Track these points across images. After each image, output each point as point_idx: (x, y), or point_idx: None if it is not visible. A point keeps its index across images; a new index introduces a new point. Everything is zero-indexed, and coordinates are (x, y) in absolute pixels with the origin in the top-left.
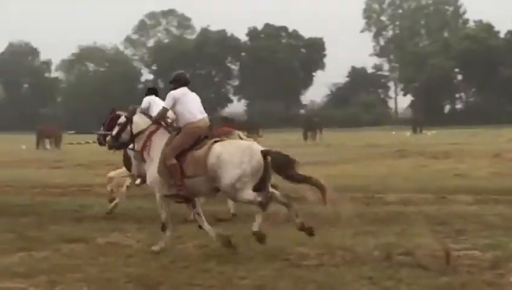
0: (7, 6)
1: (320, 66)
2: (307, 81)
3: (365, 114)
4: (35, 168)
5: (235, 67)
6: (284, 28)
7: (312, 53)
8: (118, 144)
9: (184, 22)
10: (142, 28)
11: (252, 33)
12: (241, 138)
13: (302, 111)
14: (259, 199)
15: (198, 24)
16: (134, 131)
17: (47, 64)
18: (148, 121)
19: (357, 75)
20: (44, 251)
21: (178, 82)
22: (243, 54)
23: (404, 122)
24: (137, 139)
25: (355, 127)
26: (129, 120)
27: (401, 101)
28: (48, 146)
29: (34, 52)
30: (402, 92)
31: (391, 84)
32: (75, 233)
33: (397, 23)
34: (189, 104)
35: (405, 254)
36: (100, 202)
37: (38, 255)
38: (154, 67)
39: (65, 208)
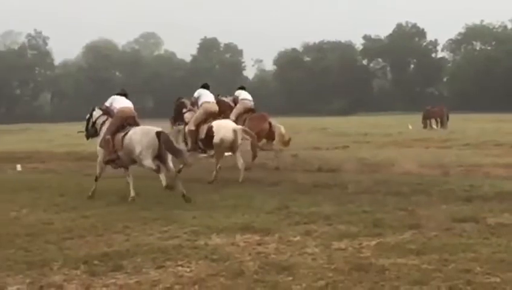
0: None
1: None
2: None
3: None
4: (422, 148)
5: None
6: None
7: None
8: (87, 133)
9: None
10: None
11: None
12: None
13: None
14: (154, 166)
15: None
16: (94, 120)
17: (433, 44)
18: (100, 112)
19: None
20: (435, 229)
21: (120, 94)
22: None
23: None
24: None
25: None
26: (91, 115)
27: None
28: (434, 126)
29: (420, 32)
30: None
31: None
32: (465, 212)
33: None
34: (119, 102)
35: None
36: (490, 182)
37: (429, 233)
38: None
39: (454, 187)
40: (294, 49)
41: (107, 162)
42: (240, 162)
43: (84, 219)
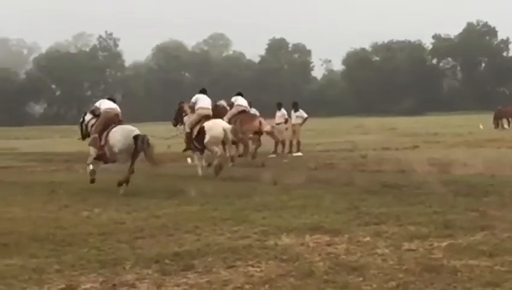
0: None
1: None
2: None
3: None
4: (493, 148)
5: None
6: None
7: None
8: (82, 134)
9: None
10: None
11: None
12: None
13: None
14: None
15: None
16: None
17: (505, 43)
18: (90, 116)
19: None
20: (507, 230)
21: (108, 98)
22: None
23: None
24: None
25: None
26: (83, 119)
27: None
28: (506, 126)
29: (492, 31)
30: None
31: None
32: None
33: None
34: (105, 104)
35: None
36: None
37: (502, 234)
38: None
39: None
40: (363, 49)
41: (96, 158)
42: (231, 153)
43: (155, 219)
